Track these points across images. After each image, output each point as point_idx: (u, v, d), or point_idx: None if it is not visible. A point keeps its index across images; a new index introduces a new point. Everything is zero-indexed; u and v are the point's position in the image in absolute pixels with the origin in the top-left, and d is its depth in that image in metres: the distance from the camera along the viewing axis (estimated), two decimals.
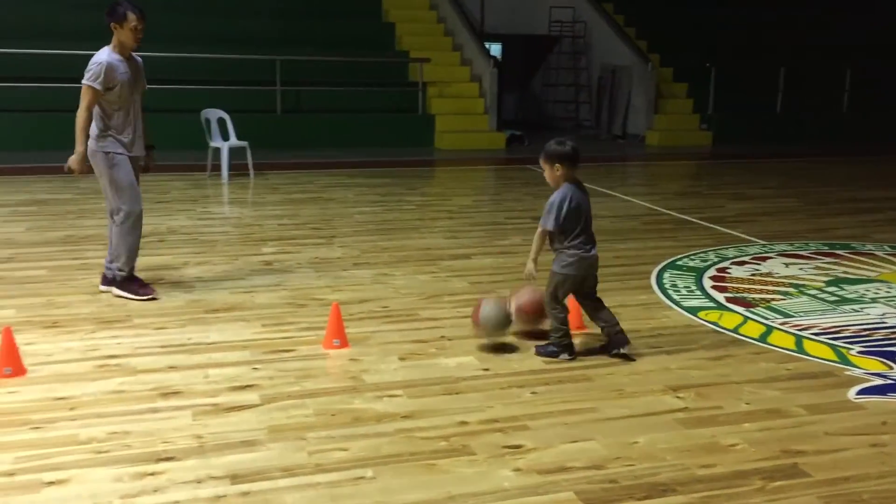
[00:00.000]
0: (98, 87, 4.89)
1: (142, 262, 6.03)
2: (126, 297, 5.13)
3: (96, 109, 4.95)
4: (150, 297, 5.16)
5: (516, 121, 18.17)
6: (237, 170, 10.08)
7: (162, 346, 4.34)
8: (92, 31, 12.67)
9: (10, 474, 3.00)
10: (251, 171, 10.14)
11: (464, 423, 3.52)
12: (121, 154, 5.05)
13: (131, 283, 5.20)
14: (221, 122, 10.25)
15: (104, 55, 4.95)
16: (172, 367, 4.07)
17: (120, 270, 5.17)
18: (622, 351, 4.28)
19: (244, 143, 10.08)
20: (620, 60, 16.19)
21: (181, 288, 5.43)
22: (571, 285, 4.31)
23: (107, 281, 5.26)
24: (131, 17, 4.91)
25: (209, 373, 4.01)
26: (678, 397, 3.82)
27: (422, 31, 15.33)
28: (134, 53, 5.10)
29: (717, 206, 8.95)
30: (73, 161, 4.99)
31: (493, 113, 14.43)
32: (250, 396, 3.74)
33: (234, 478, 3.02)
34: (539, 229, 4.24)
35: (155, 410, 3.58)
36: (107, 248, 6.19)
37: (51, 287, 5.36)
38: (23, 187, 9.03)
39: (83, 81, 4.89)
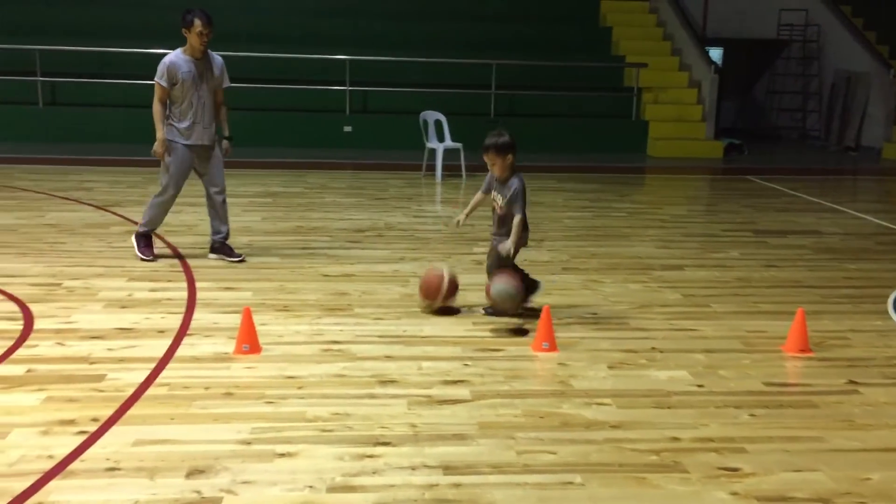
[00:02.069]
0: (163, 83, 5.66)
1: (363, 254, 6.38)
2: (133, 249, 5.98)
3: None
4: (148, 258, 5.91)
5: (735, 129, 17.34)
6: (450, 170, 10.38)
7: (380, 336, 4.56)
8: (326, 36, 13.57)
9: (248, 443, 3.28)
10: (464, 172, 10.40)
11: (676, 438, 3.41)
12: (177, 143, 5.77)
13: (142, 239, 6.00)
14: (438, 123, 10.60)
15: (171, 56, 5.71)
16: (389, 357, 4.26)
17: (143, 226, 5.99)
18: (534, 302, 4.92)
19: (458, 145, 10.35)
20: (857, 67, 15.00)
21: (397, 282, 5.67)
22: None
23: (214, 250, 6.12)
24: (197, 23, 5.64)
25: (423, 365, 4.16)
26: None
27: (639, 35, 15.02)
28: (214, 53, 5.87)
29: None
30: (155, 147, 5.75)
31: (711, 120, 13.86)
32: (461, 391, 3.84)
33: (446, 469, 3.12)
34: (519, 219, 4.66)
35: (373, 396, 3.77)
36: (332, 238, 6.62)
37: (282, 273, 5.79)
38: (259, 180, 9.81)
39: (155, 79, 5.68)
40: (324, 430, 3.40)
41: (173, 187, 5.89)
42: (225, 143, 6.05)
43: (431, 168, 10.40)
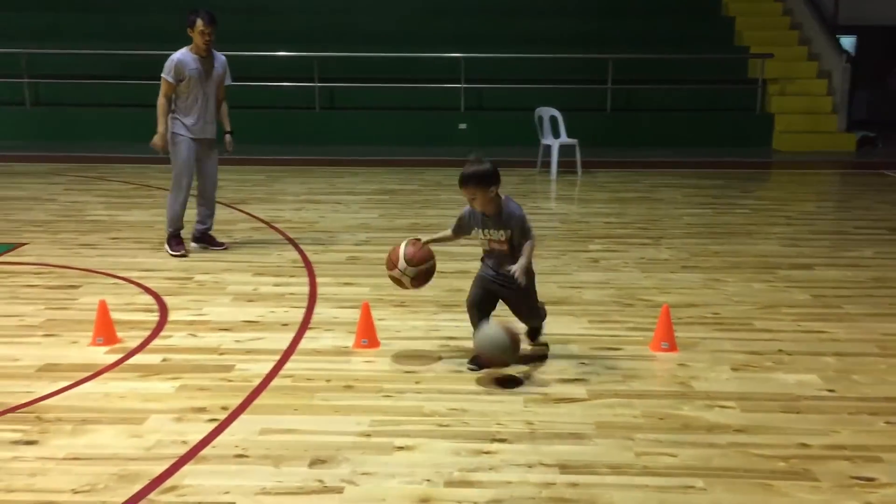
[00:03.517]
0: (170, 79, 5.97)
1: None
2: (167, 252, 6.20)
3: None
4: (179, 253, 6.16)
5: (868, 121, 16.42)
6: (565, 167, 10.28)
7: None
8: (440, 34, 13.68)
9: (367, 435, 3.35)
10: (579, 169, 10.28)
11: (805, 445, 3.27)
12: (182, 136, 6.07)
13: (172, 239, 6.25)
14: (553, 119, 10.51)
15: (178, 53, 6.01)
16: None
17: (169, 228, 6.25)
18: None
19: (573, 141, 10.24)
20: None
21: None
22: None
23: (196, 239, 6.43)
24: (199, 23, 5.93)
25: (539, 362, 4.14)
26: None
27: (765, 24, 14.42)
28: (218, 52, 6.15)
29: None
30: (155, 139, 6.05)
31: (842, 112, 13.18)
32: (578, 390, 3.81)
33: (563, 468, 3.10)
34: (533, 244, 3.96)
35: (489, 393, 3.78)
36: (436, 230, 6.65)
37: None
38: (376, 178, 10.02)
39: (162, 74, 5.98)
40: (441, 425, 3.44)
41: (186, 177, 6.18)
42: (227, 136, 6.38)
43: (546, 165, 10.33)
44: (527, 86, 12.96)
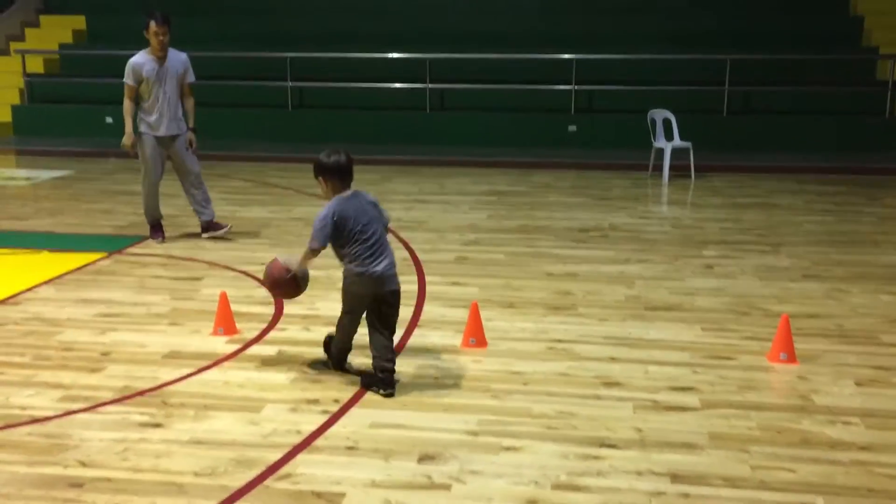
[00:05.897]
0: (130, 82, 6.24)
1: (588, 254, 6.33)
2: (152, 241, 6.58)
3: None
4: (157, 240, 6.54)
5: None
6: (678, 170, 10.03)
7: (604, 337, 4.52)
8: (550, 35, 13.61)
9: (475, 434, 3.38)
10: (693, 173, 10.01)
11: None
12: (147, 134, 6.34)
13: (151, 230, 6.63)
14: (666, 122, 10.28)
15: (136, 57, 6.28)
16: (613, 359, 4.21)
17: (147, 219, 6.61)
18: (381, 393, 3.73)
19: (687, 144, 9.98)
20: None
21: (623, 283, 5.57)
22: (358, 304, 3.88)
23: (205, 229, 6.73)
24: (152, 24, 6.15)
25: (649, 369, 4.07)
26: None
27: None
28: (177, 51, 6.37)
29: None
30: (123, 139, 6.37)
31: None
32: (690, 399, 3.72)
33: (674, 477, 3.03)
34: (305, 253, 3.91)
35: (598, 397, 3.74)
36: (556, 237, 6.63)
37: (508, 271, 5.89)
38: (485, 179, 10.04)
39: (123, 79, 6.25)
40: (549, 428, 3.42)
41: (151, 174, 6.45)
42: (189, 133, 6.51)
43: (658, 168, 10.10)
44: (639, 87, 12.71)
